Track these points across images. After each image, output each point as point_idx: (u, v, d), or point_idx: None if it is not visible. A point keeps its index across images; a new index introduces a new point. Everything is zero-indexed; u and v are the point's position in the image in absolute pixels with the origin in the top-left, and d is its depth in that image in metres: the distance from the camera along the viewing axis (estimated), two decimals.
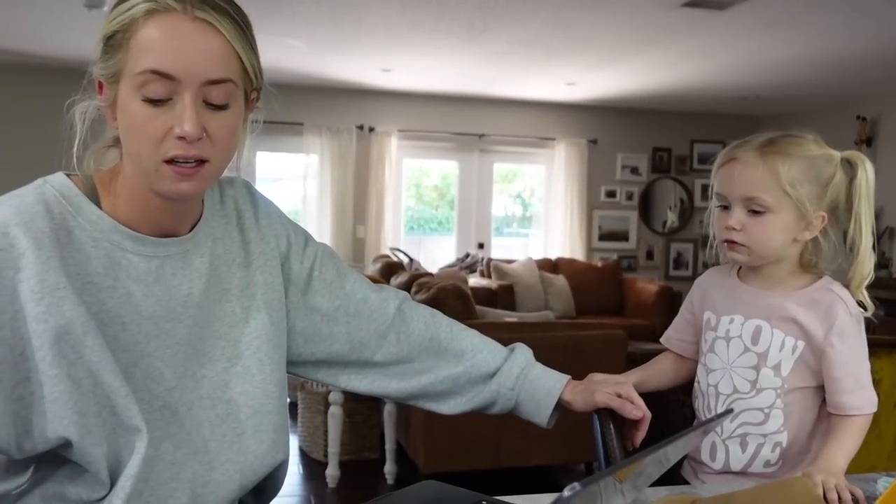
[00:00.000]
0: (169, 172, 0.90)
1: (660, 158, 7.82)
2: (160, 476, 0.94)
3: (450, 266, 6.62)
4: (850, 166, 1.23)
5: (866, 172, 1.22)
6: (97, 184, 0.97)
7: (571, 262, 6.98)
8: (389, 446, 3.54)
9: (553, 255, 7.26)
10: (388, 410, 3.51)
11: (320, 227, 6.76)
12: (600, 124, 7.62)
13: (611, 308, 6.63)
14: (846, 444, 1.16)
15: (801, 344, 1.20)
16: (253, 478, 1.04)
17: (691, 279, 7.87)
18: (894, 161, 6.12)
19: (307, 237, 1.17)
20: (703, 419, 1.30)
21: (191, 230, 1.02)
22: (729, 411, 1.22)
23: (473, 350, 1.21)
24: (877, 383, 2.99)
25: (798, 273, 1.26)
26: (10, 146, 6.05)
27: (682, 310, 1.41)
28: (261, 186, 6.52)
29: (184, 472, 0.97)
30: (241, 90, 0.94)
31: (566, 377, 1.23)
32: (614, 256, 7.61)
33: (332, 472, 3.44)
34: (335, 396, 3.42)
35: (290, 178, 7.15)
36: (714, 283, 1.35)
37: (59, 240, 0.91)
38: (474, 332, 1.24)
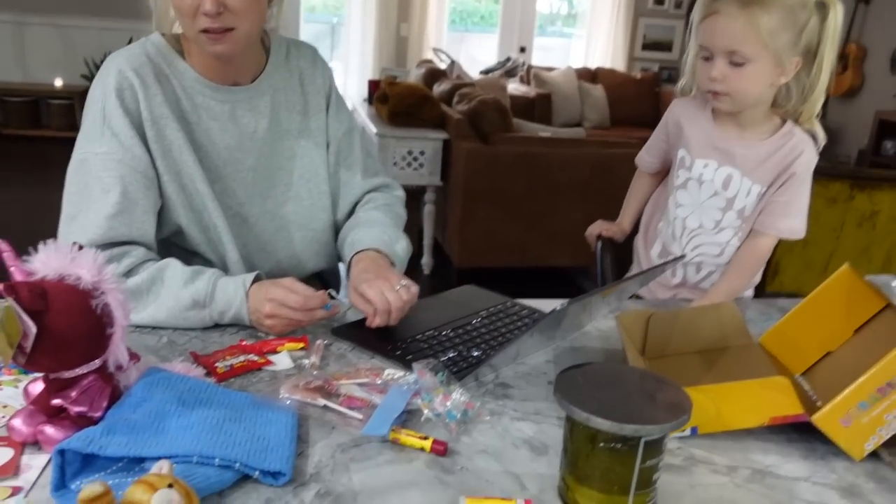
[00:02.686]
0: (204, 39, 1.16)
1: None
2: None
3: (490, 70, 6.68)
4: (823, 7, 1.27)
5: (836, 15, 1.27)
6: (183, 42, 1.25)
7: (611, 72, 7.00)
8: (427, 241, 3.93)
9: (593, 64, 7.26)
10: (428, 210, 3.86)
11: (364, 26, 6.77)
12: None
13: (646, 121, 6.73)
14: (734, 281, 1.40)
15: (763, 189, 1.39)
16: (303, 276, 1.38)
17: None
18: None
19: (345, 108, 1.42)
20: (665, 245, 1.51)
21: (254, 80, 1.29)
22: (682, 256, 1.44)
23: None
24: (875, 214, 3.27)
25: (769, 115, 1.38)
26: None
27: (658, 133, 1.53)
28: None
29: (251, 264, 1.32)
30: None
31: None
32: (655, 67, 7.57)
33: None
34: None
35: None
36: (689, 118, 1.44)
37: (161, 82, 1.22)
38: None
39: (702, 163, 1.42)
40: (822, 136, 1.39)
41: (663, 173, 1.57)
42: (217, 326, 1.14)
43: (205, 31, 1.14)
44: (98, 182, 1.16)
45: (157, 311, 1.11)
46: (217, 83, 1.25)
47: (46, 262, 0.82)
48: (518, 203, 3.64)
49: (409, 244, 1.36)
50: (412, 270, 3.96)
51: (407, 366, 1.03)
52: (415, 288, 1.16)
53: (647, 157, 1.59)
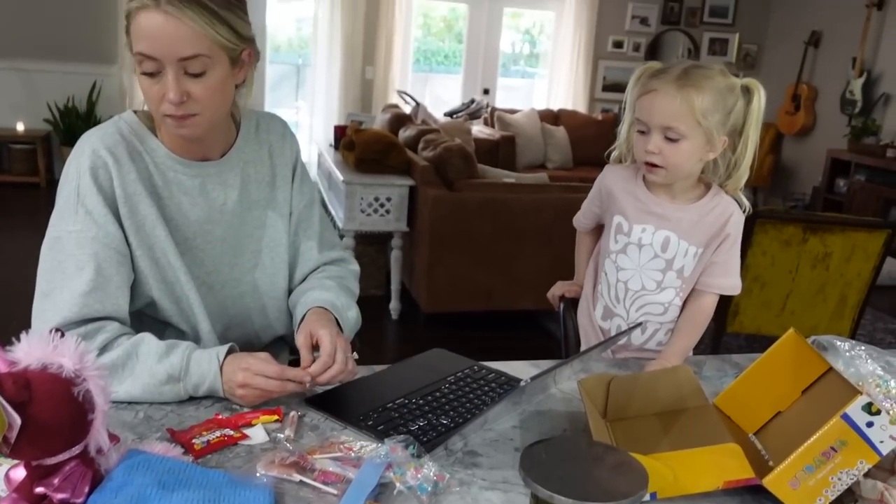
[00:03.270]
0: (170, 122, 1.21)
1: (670, 9, 7.78)
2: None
3: (455, 112, 6.81)
4: (747, 92, 1.38)
5: (759, 99, 1.38)
6: (155, 119, 1.29)
7: (573, 113, 7.17)
8: (395, 286, 3.97)
9: (556, 105, 7.43)
10: (395, 255, 3.91)
11: (329, 68, 6.87)
12: None
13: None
14: (685, 339, 1.47)
15: (700, 250, 1.47)
16: (259, 344, 1.43)
17: None
18: None
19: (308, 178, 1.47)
20: (609, 307, 1.56)
21: (223, 155, 1.34)
22: (639, 324, 1.51)
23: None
24: (828, 256, 3.39)
25: (696, 184, 1.48)
26: None
27: (591, 199, 1.61)
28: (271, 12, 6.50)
29: (219, 331, 1.36)
30: (223, 56, 1.19)
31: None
32: (615, 108, 7.77)
33: None
34: (347, 241, 3.80)
35: (300, 20, 7.19)
36: (623, 187, 1.51)
37: (134, 159, 1.26)
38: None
39: (639, 228, 1.49)
40: (746, 204, 1.48)
41: (601, 229, 1.63)
42: (192, 400, 1.16)
43: (169, 115, 1.19)
44: (72, 259, 1.19)
45: (133, 386, 1.13)
46: (187, 159, 1.30)
47: (29, 351, 0.85)
48: (484, 248, 3.71)
49: (359, 316, 1.42)
50: (381, 316, 4.01)
51: (379, 436, 1.07)
52: (354, 368, 1.22)
53: (583, 220, 1.67)
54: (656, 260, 1.49)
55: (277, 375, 1.13)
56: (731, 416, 1.19)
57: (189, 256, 1.31)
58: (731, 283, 1.49)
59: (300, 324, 1.31)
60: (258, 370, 1.13)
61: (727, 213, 1.45)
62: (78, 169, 1.22)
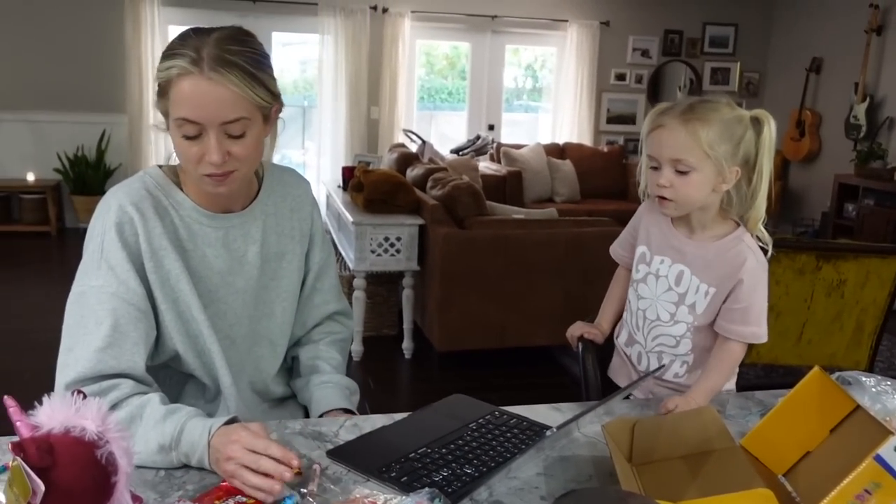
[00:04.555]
0: (208, 181, 1.23)
1: (671, 41, 7.85)
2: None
3: (461, 149, 6.85)
4: (757, 123, 1.39)
5: (770, 129, 1.39)
6: (179, 173, 1.31)
7: (579, 146, 7.20)
8: (407, 325, 3.96)
9: (561, 139, 7.47)
10: (406, 295, 3.90)
11: (335, 110, 6.94)
12: (613, 5, 7.60)
13: (614, 192, 6.93)
14: (711, 380, 1.44)
15: (713, 290, 1.46)
16: (271, 395, 1.47)
17: None
18: None
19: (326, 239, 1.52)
20: (631, 334, 1.58)
21: (245, 207, 1.35)
22: (662, 366, 1.51)
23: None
24: (842, 283, 3.36)
25: (719, 220, 1.46)
26: None
27: (628, 229, 1.63)
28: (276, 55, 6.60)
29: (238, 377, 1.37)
30: (259, 115, 1.21)
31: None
32: (621, 140, 7.81)
33: (356, 348, 3.88)
34: (358, 282, 3.80)
35: (305, 62, 7.29)
36: (651, 219, 1.55)
37: (159, 214, 1.27)
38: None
39: (659, 259, 1.52)
40: (767, 240, 1.47)
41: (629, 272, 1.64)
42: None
43: (209, 175, 1.21)
44: (92, 315, 1.19)
45: (137, 450, 1.11)
46: (212, 211, 1.31)
47: (51, 414, 0.85)
48: (495, 284, 3.70)
49: (357, 389, 1.51)
50: (394, 355, 3.99)
51: (403, 487, 1.05)
52: None
53: (618, 250, 1.68)
54: (670, 292, 1.50)
55: (262, 450, 1.03)
56: (759, 457, 1.18)
57: (212, 309, 1.32)
58: (752, 332, 1.45)
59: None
60: (246, 444, 1.04)
61: (741, 258, 1.43)
62: (104, 224, 1.23)
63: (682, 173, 1.39)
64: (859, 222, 6.25)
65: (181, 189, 1.31)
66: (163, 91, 1.19)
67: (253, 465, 1.02)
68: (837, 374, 1.25)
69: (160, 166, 1.33)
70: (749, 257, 1.44)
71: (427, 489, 0.99)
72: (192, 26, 1.22)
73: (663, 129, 1.39)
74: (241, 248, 1.34)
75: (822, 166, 7.23)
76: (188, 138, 1.18)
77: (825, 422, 1.13)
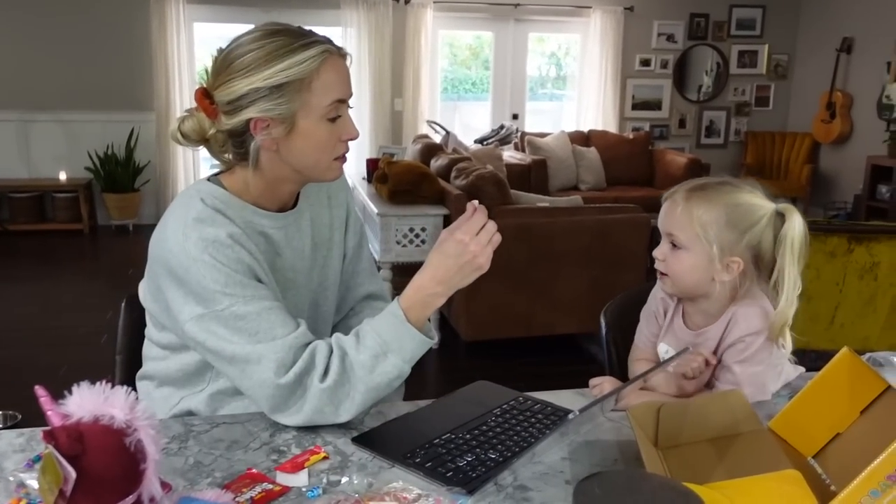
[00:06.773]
0: (337, 164, 1.28)
1: (697, 25, 7.74)
2: None
3: (485, 139, 6.83)
4: (779, 216, 1.28)
5: (794, 227, 1.27)
6: (223, 180, 1.29)
7: (604, 133, 7.15)
8: (434, 316, 3.96)
9: (585, 126, 7.42)
10: None
11: (360, 102, 6.95)
12: None
13: (640, 179, 6.87)
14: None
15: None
16: None
17: (723, 147, 7.95)
18: None
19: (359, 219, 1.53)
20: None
21: (295, 204, 1.35)
22: (686, 349, 1.38)
23: None
24: (876, 266, 3.31)
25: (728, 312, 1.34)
26: None
27: (645, 321, 1.50)
28: None
29: None
30: None
31: None
32: (646, 126, 7.73)
33: None
34: (384, 273, 3.81)
35: None
36: (661, 302, 1.46)
37: (247, 234, 1.24)
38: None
39: (664, 347, 1.46)
40: (788, 346, 1.32)
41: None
42: (240, 444, 1.16)
43: (339, 156, 1.26)
44: (249, 322, 1.17)
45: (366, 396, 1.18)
46: (271, 211, 1.31)
47: (81, 403, 0.86)
48: (521, 273, 3.69)
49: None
50: None
51: (427, 473, 1.06)
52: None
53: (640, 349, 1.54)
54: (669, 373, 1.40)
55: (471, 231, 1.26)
56: (788, 440, 1.16)
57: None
58: (750, 393, 1.25)
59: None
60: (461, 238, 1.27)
61: (731, 323, 1.32)
62: (202, 261, 1.18)
63: (675, 247, 1.33)
64: (893, 204, 6.14)
65: (239, 197, 1.27)
66: (297, 88, 1.18)
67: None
68: (868, 355, 1.23)
69: (209, 180, 1.30)
70: (740, 321, 1.32)
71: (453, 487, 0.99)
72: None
73: (670, 201, 1.35)
74: (299, 244, 1.36)
75: (853, 148, 7.11)
76: (332, 121, 1.22)
77: (855, 403, 1.11)
